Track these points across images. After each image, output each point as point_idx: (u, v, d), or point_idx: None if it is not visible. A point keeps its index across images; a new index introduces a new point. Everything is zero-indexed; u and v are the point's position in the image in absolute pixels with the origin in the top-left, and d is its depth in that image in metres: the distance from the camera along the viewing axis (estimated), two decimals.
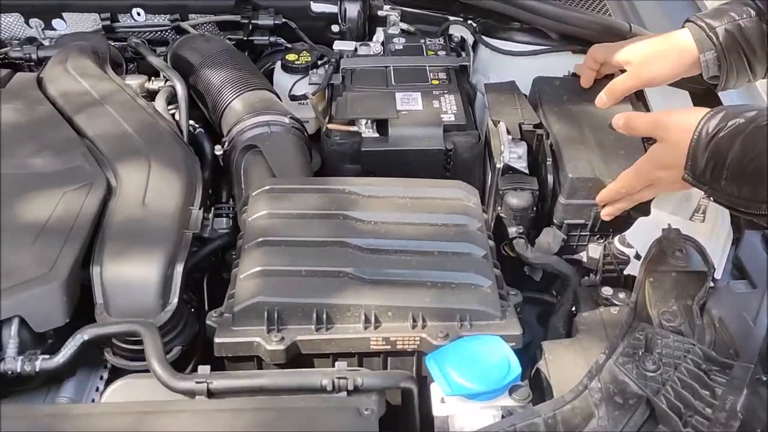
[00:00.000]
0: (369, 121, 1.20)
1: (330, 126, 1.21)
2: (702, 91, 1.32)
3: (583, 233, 1.19)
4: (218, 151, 1.21)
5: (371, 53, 1.42)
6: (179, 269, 0.92)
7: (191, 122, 1.27)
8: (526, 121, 1.22)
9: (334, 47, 1.44)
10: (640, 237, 1.08)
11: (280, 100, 1.31)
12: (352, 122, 1.21)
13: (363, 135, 1.20)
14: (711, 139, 0.88)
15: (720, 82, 1.13)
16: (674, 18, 1.30)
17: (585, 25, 1.32)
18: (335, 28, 1.55)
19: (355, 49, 1.43)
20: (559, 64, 1.37)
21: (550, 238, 1.18)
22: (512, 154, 1.18)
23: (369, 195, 1.05)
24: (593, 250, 1.20)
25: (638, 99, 1.31)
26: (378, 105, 1.23)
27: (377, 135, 1.20)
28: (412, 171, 1.19)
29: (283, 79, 1.42)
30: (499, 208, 1.18)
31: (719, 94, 1.28)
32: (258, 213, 1.00)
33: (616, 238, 1.15)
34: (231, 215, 1.11)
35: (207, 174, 1.19)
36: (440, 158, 1.18)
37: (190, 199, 1.04)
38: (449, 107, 1.25)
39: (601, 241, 1.20)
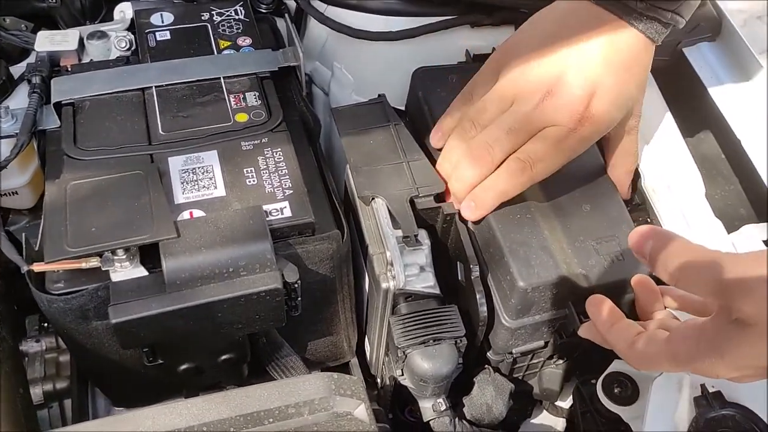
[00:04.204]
0: (122, 249, 0.58)
1: (37, 268, 0.58)
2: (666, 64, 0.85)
3: (536, 360, 0.71)
4: None
5: (114, 55, 0.76)
6: None
7: None
8: (422, 191, 0.66)
9: (37, 45, 0.76)
10: (659, 409, 0.61)
11: None
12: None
13: (112, 277, 0.58)
14: None
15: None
16: None
17: None
18: None
19: (81, 44, 0.77)
20: (449, 45, 0.79)
21: (488, 396, 0.68)
22: (409, 270, 0.63)
23: None
24: (549, 378, 0.73)
25: None
26: (132, 205, 0.60)
27: (142, 272, 0.59)
28: (221, 337, 0.61)
29: None
30: (398, 372, 0.65)
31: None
32: None
33: (599, 383, 0.67)
34: None
35: None
36: (275, 302, 0.60)
37: None
38: (276, 181, 0.65)
39: (561, 363, 0.73)
